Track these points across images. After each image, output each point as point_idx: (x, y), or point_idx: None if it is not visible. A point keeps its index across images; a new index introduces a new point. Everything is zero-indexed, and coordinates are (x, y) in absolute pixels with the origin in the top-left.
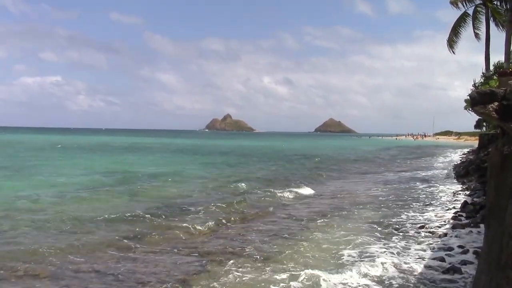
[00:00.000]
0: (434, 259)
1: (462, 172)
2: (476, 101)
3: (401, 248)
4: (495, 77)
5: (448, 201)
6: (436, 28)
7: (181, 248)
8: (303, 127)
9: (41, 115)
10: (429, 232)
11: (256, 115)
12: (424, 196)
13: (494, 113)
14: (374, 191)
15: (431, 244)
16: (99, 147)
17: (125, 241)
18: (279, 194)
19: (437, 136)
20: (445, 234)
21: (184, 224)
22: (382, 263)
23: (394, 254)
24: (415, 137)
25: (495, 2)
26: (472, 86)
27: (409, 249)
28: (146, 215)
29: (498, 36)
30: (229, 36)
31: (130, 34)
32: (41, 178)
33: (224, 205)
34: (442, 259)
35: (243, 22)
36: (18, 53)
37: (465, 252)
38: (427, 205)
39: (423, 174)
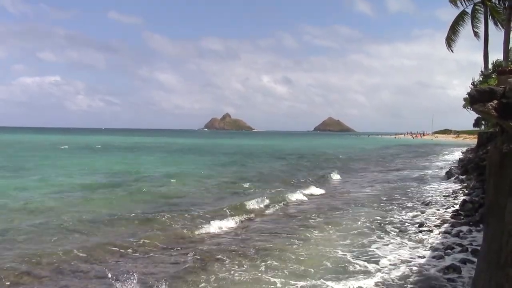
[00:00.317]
0: (433, 257)
1: (461, 171)
2: (475, 99)
3: (400, 247)
4: (494, 76)
5: (447, 199)
6: (436, 26)
7: (182, 248)
8: (302, 126)
9: (40, 115)
10: (428, 230)
11: (255, 114)
12: (423, 194)
13: (493, 111)
14: (373, 190)
15: (430, 242)
16: (104, 147)
17: (125, 240)
18: (280, 193)
19: (436, 135)
20: (444, 233)
21: (184, 224)
22: (381, 262)
23: (393, 252)
24: (414, 135)
25: (493, 1)
26: (471, 84)
27: (408, 247)
28: (146, 215)
29: (497, 35)
30: (228, 36)
31: (129, 34)
32: (41, 178)
33: (224, 204)
34: (441, 258)
35: (242, 21)
36: (17, 53)
37: (464, 250)
38: (426, 203)
39: (422, 172)
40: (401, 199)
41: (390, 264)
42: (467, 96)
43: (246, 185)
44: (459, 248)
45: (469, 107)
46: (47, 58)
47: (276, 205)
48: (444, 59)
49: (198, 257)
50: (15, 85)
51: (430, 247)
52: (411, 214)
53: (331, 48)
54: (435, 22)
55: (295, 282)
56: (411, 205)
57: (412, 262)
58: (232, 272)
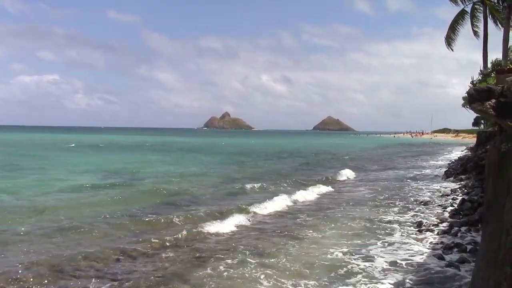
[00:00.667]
0: (432, 256)
1: (460, 170)
2: (473, 98)
3: (399, 246)
4: (493, 75)
5: (446, 199)
6: (435, 25)
7: (181, 247)
8: (301, 125)
9: (38, 114)
10: (427, 229)
11: (254, 113)
12: (421, 194)
13: (491, 110)
14: (372, 189)
15: (429, 241)
16: (108, 145)
17: (124, 240)
18: (280, 193)
19: (435, 134)
20: (443, 232)
21: (185, 223)
22: (379, 261)
23: (392, 251)
24: (413, 134)
25: (493, 0)
26: (470, 83)
27: (407, 246)
28: (146, 214)
29: (497, 34)
30: (227, 35)
31: (128, 33)
32: (40, 177)
33: (225, 204)
34: (440, 257)
35: (241, 20)
36: (16, 52)
37: (463, 249)
38: (425, 203)
39: (421, 172)
40: (400, 198)
41: (387, 264)
42: (466, 95)
43: (246, 184)
44: (458, 247)
45: (468, 106)
46: (46, 57)
47: (276, 205)
48: (443, 58)
49: (198, 256)
50: (13, 84)
51: (429, 247)
52: (409, 213)
53: (331, 47)
54: (435, 21)
55: (293, 281)
56: (410, 204)
57: (411, 262)
58: (231, 271)
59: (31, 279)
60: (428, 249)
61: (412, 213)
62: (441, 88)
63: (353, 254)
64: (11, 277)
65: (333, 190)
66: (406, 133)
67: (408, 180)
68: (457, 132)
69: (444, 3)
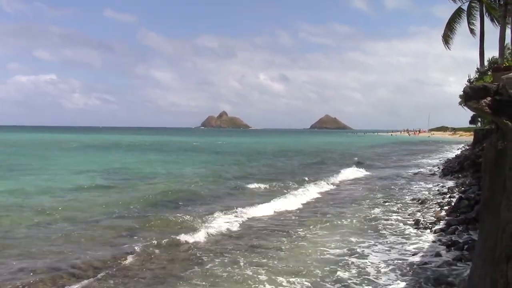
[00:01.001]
0: (429, 254)
1: (457, 168)
2: (469, 96)
3: (396, 244)
4: (489, 73)
5: (443, 197)
6: (432, 23)
7: (179, 246)
8: (298, 124)
9: (35, 113)
10: (424, 228)
11: (252, 112)
12: (419, 192)
13: (487, 108)
14: (369, 188)
15: (426, 240)
16: (109, 146)
17: (122, 239)
18: (280, 193)
19: (432, 132)
20: (440, 230)
21: (184, 222)
22: (376, 260)
23: (389, 250)
24: (410, 133)
25: None
26: (467, 81)
27: (404, 245)
28: (144, 214)
29: (494, 32)
30: (225, 34)
31: (125, 32)
32: (38, 177)
33: (225, 203)
34: (437, 255)
35: (238, 19)
36: (12, 52)
37: (460, 247)
38: (422, 201)
39: (418, 170)
40: (397, 196)
41: (385, 262)
42: (463, 93)
43: (246, 184)
44: (455, 245)
45: (464, 104)
46: (43, 56)
47: (275, 204)
48: (440, 56)
49: (196, 256)
50: (10, 83)
51: (426, 245)
52: (407, 211)
53: (328, 45)
54: (432, 19)
55: (289, 279)
56: (407, 202)
57: (408, 260)
58: (228, 269)
59: (28, 278)
60: (425, 247)
61: (409, 211)
62: (438, 86)
63: (350, 252)
64: (7, 276)
65: (331, 189)
66: (404, 131)
67: (406, 178)
68: (454, 130)
69: (441, 2)
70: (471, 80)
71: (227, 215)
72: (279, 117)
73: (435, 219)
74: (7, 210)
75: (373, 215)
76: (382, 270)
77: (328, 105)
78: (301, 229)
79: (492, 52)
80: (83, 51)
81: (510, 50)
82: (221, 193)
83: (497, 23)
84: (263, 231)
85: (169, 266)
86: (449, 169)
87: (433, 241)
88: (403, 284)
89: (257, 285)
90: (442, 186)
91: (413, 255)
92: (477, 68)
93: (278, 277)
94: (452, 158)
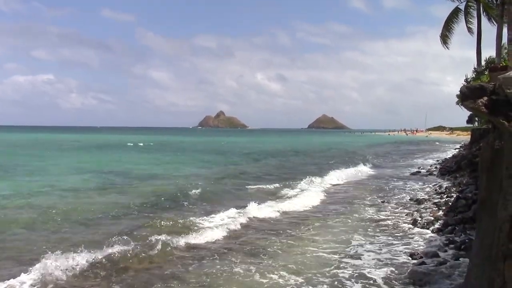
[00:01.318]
0: (427, 254)
1: (454, 167)
2: (466, 96)
3: (394, 245)
4: (486, 72)
5: (441, 196)
6: (430, 23)
7: (178, 246)
8: (296, 124)
9: (33, 113)
10: (422, 227)
11: (249, 112)
12: (416, 192)
13: (483, 107)
14: (367, 188)
15: (424, 239)
16: (110, 146)
17: (121, 239)
18: (279, 192)
19: (430, 132)
20: (438, 229)
21: (183, 221)
22: (374, 259)
23: (388, 250)
24: (408, 132)
25: None
26: (464, 81)
27: (402, 245)
28: (143, 213)
29: (492, 31)
30: (223, 33)
31: (123, 32)
32: (36, 177)
33: (224, 203)
34: (435, 254)
35: (236, 19)
36: (10, 52)
37: (458, 246)
38: (419, 200)
39: (415, 169)
40: (395, 196)
41: (383, 261)
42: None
43: (246, 184)
44: (452, 244)
45: (461, 104)
46: (40, 56)
47: (274, 204)
48: (438, 55)
49: (194, 256)
50: (8, 83)
51: (424, 244)
52: (404, 211)
53: (326, 45)
54: (430, 19)
55: (286, 278)
56: (404, 202)
57: (405, 259)
58: (226, 269)
59: (26, 281)
60: (423, 246)
61: (407, 211)
62: (435, 86)
63: (348, 252)
64: (4, 276)
65: (330, 188)
66: (401, 131)
67: (403, 178)
68: (451, 129)
69: (439, 1)
70: (468, 80)
71: (226, 215)
72: (277, 117)
73: (433, 218)
74: (5, 210)
75: (371, 215)
76: (379, 270)
77: (326, 105)
78: (300, 229)
79: (490, 51)
80: (81, 51)
81: (506, 50)
82: (221, 193)
83: (494, 22)
84: (263, 231)
85: (166, 266)
86: (447, 169)
87: (431, 241)
88: (400, 284)
89: (255, 284)
90: (440, 186)
91: (410, 255)
92: (474, 68)
93: (277, 277)
94: (449, 157)
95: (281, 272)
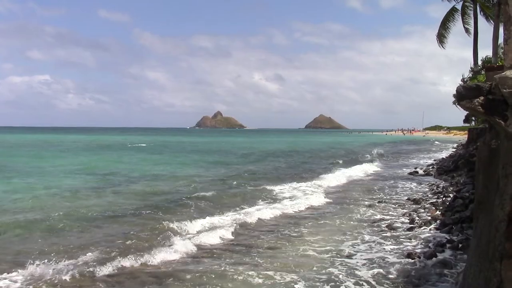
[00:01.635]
0: (424, 253)
1: (451, 167)
2: (462, 95)
3: (392, 244)
4: (483, 72)
5: (438, 196)
6: (426, 23)
7: (177, 245)
8: (294, 124)
9: (29, 114)
10: (419, 227)
11: (247, 112)
12: (413, 191)
13: (480, 107)
14: (364, 188)
15: (421, 239)
16: (109, 145)
17: (119, 239)
18: (278, 192)
19: (427, 131)
20: (435, 229)
21: (182, 221)
22: (372, 259)
23: (386, 250)
24: (405, 132)
25: None
26: (461, 81)
27: (400, 244)
28: (141, 214)
29: (489, 31)
30: (219, 33)
31: (119, 32)
32: (34, 178)
33: (223, 204)
34: (432, 253)
35: (233, 19)
36: (5, 52)
37: (455, 246)
38: (417, 200)
39: (413, 169)
40: (392, 196)
41: (379, 261)
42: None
43: (246, 184)
44: (450, 244)
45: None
46: (36, 57)
47: (272, 205)
48: (434, 55)
49: (194, 255)
50: (3, 84)
51: (421, 244)
52: (402, 211)
53: (322, 45)
54: (426, 19)
55: (282, 277)
56: (402, 202)
57: (403, 259)
58: (224, 269)
59: (19, 281)
60: (420, 246)
61: (404, 210)
62: (432, 86)
63: (347, 252)
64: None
65: (327, 189)
66: (398, 130)
67: (400, 178)
68: (448, 129)
69: (436, 1)
70: (465, 79)
71: (224, 216)
72: (274, 116)
73: (430, 218)
74: (2, 211)
75: (368, 215)
76: (376, 270)
77: (323, 105)
78: (297, 229)
79: (487, 51)
80: (77, 51)
81: (503, 50)
82: (219, 194)
83: (492, 22)
84: (260, 231)
85: (163, 267)
86: (444, 168)
87: (428, 240)
88: (397, 283)
89: (252, 283)
90: (437, 186)
91: (408, 254)
92: (471, 68)
93: (273, 276)
94: (447, 157)
95: (278, 271)
